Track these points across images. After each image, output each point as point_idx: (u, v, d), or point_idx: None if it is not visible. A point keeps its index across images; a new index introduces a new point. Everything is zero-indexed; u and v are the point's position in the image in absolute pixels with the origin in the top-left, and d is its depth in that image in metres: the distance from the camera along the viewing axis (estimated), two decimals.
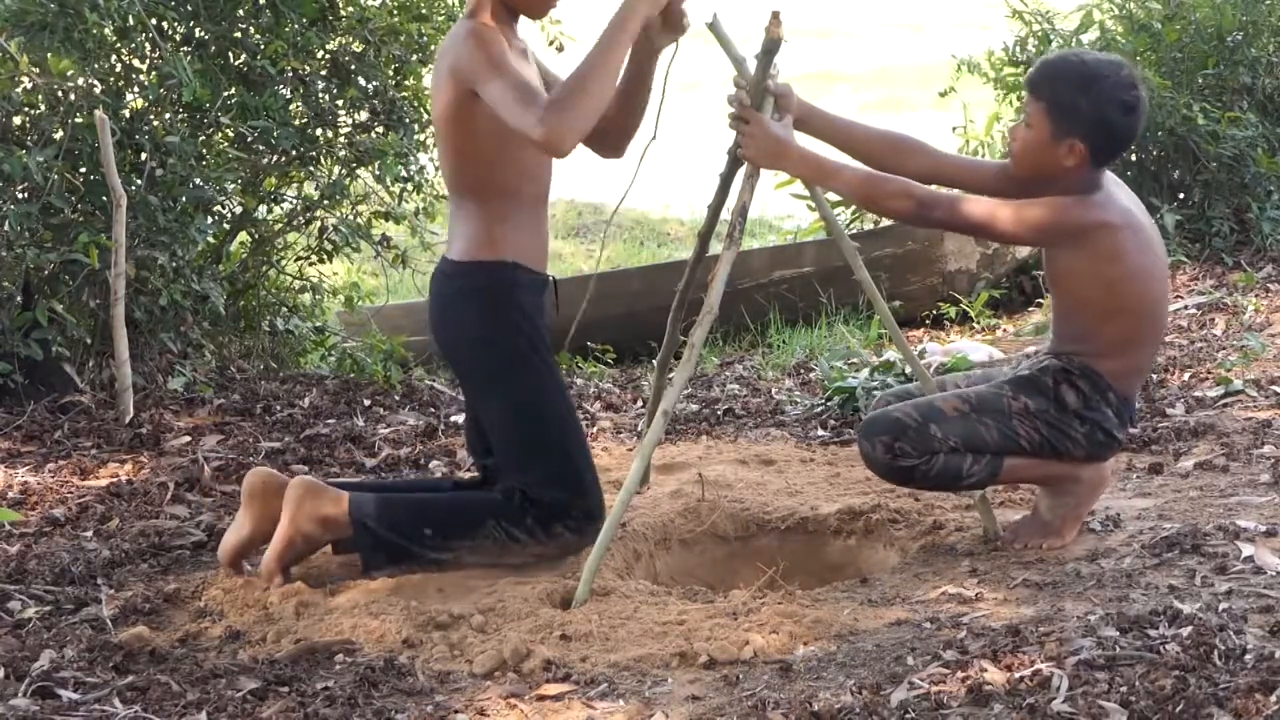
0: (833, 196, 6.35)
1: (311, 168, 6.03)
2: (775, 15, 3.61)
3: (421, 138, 6.19)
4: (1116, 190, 3.70)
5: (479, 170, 3.67)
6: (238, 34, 5.70)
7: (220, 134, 5.74)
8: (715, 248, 4.14)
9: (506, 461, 3.75)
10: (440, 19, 6.13)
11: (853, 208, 7.56)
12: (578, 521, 3.67)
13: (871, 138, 3.86)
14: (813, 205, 3.87)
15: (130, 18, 5.32)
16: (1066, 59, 3.73)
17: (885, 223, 7.41)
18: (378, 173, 5.98)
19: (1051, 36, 8.00)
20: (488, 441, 3.83)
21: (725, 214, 3.90)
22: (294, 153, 5.88)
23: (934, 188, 3.74)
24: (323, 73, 5.94)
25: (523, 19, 3.77)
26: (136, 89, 5.60)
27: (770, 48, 3.61)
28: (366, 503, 3.72)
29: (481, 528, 3.70)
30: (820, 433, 5.09)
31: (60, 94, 5.28)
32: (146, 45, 5.51)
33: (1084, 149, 3.61)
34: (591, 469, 3.76)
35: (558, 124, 3.42)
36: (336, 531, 3.72)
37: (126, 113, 5.44)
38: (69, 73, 5.21)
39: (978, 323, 7.09)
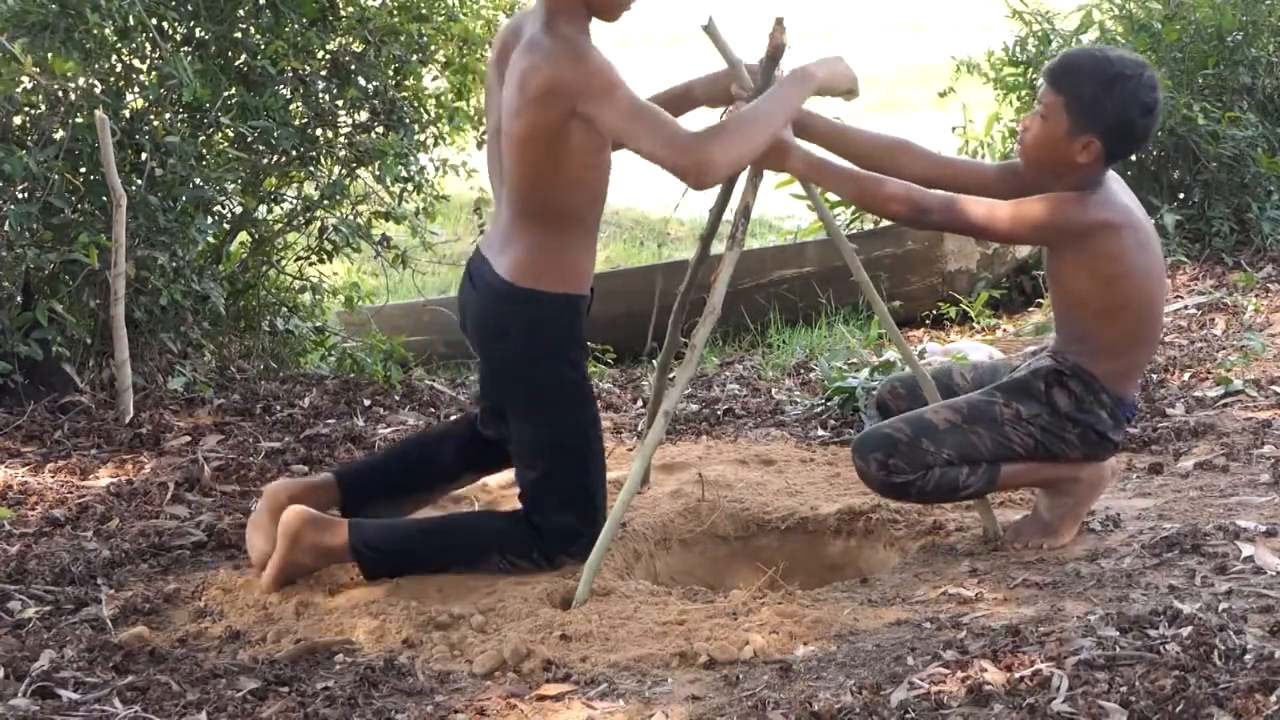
0: (832, 197, 6.37)
1: (311, 168, 6.02)
2: (779, 21, 3.60)
3: (421, 138, 6.19)
4: (1116, 187, 3.69)
5: (557, 193, 3.54)
6: (238, 34, 5.70)
7: (220, 134, 5.74)
8: (717, 248, 4.14)
9: (525, 478, 3.71)
10: (440, 19, 6.13)
11: (853, 208, 7.57)
12: (581, 549, 3.61)
13: (872, 142, 3.87)
14: (812, 206, 3.87)
15: (131, 18, 5.32)
16: (1091, 54, 3.69)
17: (885, 223, 7.41)
18: (378, 173, 5.98)
19: (1051, 36, 8.00)
20: (494, 417, 3.79)
21: (727, 215, 3.90)
22: (294, 153, 5.87)
23: (935, 190, 3.73)
24: (323, 73, 5.94)
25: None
26: (137, 89, 5.60)
27: (774, 54, 3.60)
28: (367, 532, 3.68)
29: (486, 559, 3.68)
30: (820, 433, 5.09)
31: (60, 94, 5.28)
32: (147, 45, 5.51)
33: (1099, 147, 3.60)
34: (605, 501, 3.71)
35: (715, 155, 3.34)
36: (335, 560, 3.70)
37: (127, 113, 5.44)
38: (65, 73, 5.20)
39: (978, 323, 7.08)
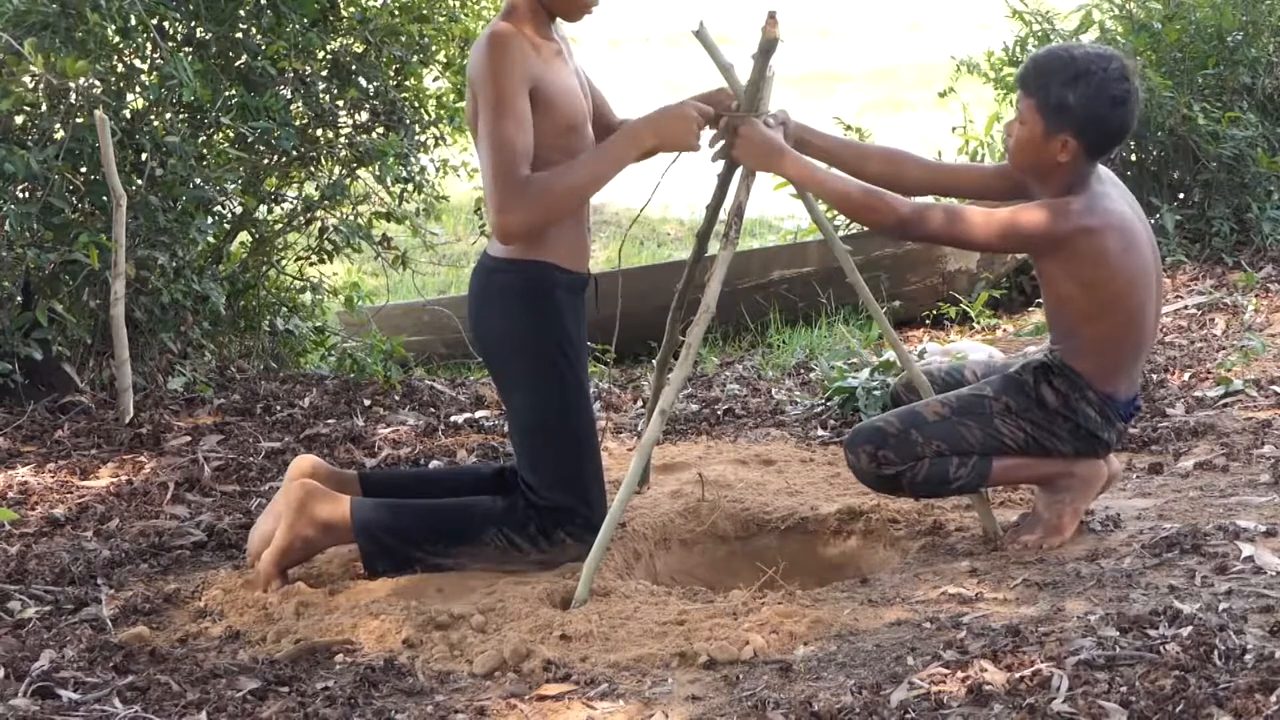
0: None
1: (312, 168, 6.03)
2: (771, 15, 3.61)
3: (422, 138, 6.19)
4: (1106, 189, 3.68)
5: None
6: (239, 34, 5.71)
7: (221, 134, 5.75)
8: (714, 247, 4.14)
9: (519, 458, 3.74)
10: (441, 19, 6.13)
11: None
12: (580, 529, 3.64)
13: (868, 155, 3.90)
14: (808, 207, 3.90)
15: (131, 18, 5.32)
16: (1055, 53, 3.71)
17: None
18: (378, 173, 5.99)
19: (1051, 36, 8.00)
20: None
21: (723, 214, 3.91)
22: (294, 153, 5.88)
23: (921, 202, 3.74)
24: (323, 73, 5.95)
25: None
26: (137, 89, 5.61)
27: (767, 48, 3.61)
28: (369, 508, 3.70)
29: (484, 535, 3.69)
30: (820, 433, 5.09)
31: (61, 94, 5.28)
32: (147, 45, 5.52)
33: (1076, 145, 3.61)
34: (600, 482, 3.73)
35: (518, 221, 3.48)
36: (337, 537, 3.71)
37: (127, 113, 5.44)
38: (76, 73, 5.21)
39: (978, 323, 7.09)
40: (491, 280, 3.71)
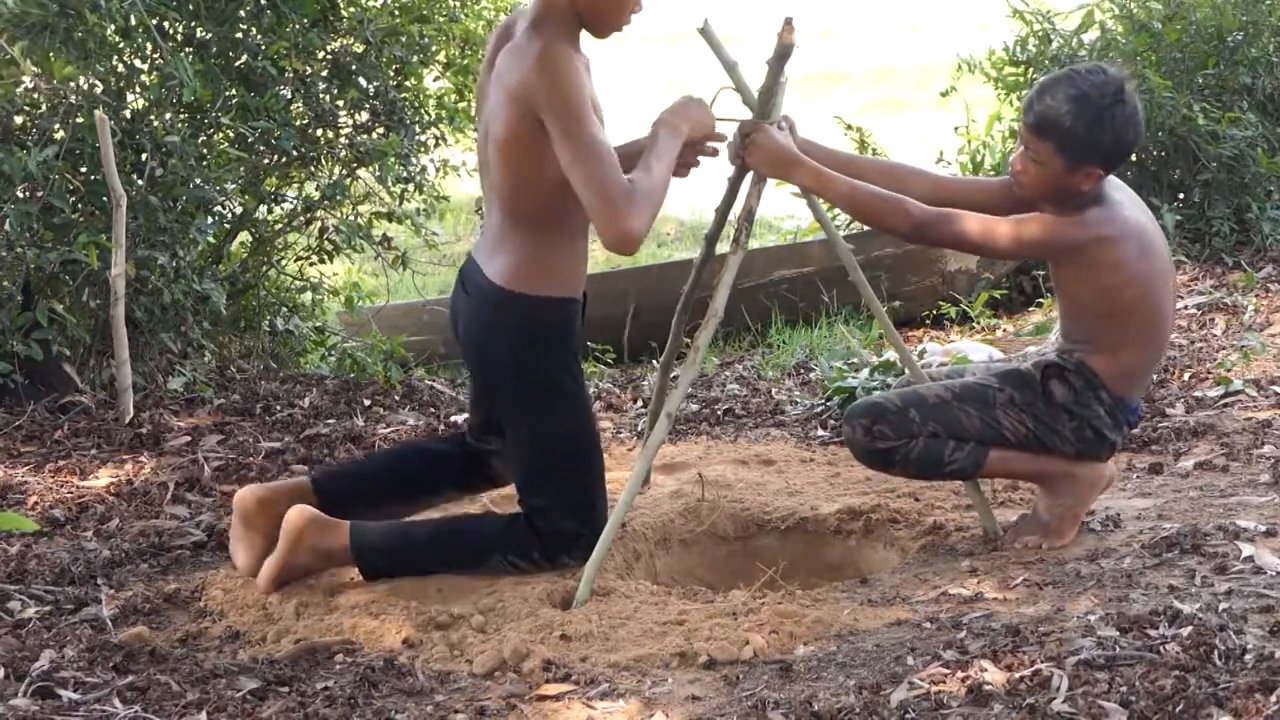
0: None
1: (312, 168, 6.03)
2: (788, 21, 3.60)
3: (422, 138, 6.19)
4: (1117, 195, 3.69)
5: (540, 197, 3.53)
6: (239, 34, 5.70)
7: (221, 134, 5.75)
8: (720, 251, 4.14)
9: (522, 482, 3.71)
10: (441, 20, 6.13)
11: None
12: (584, 551, 3.61)
13: (872, 167, 3.91)
14: (810, 206, 3.91)
15: (132, 18, 5.32)
16: (1065, 91, 3.61)
17: None
18: (378, 173, 5.98)
19: (1052, 36, 8.00)
20: (488, 428, 3.80)
21: (731, 217, 3.90)
22: (294, 153, 5.88)
23: (935, 207, 3.74)
24: (324, 73, 5.95)
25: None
26: (137, 89, 5.60)
27: (782, 53, 3.60)
28: (368, 535, 3.67)
29: (488, 560, 3.67)
30: (820, 433, 5.09)
31: (61, 95, 5.28)
32: (147, 46, 5.51)
33: (1101, 171, 3.62)
34: (604, 501, 3.71)
35: (637, 228, 3.38)
36: (335, 563, 3.69)
37: (127, 113, 5.44)
38: (64, 76, 5.20)
39: (978, 323, 7.09)
40: (500, 313, 3.62)
